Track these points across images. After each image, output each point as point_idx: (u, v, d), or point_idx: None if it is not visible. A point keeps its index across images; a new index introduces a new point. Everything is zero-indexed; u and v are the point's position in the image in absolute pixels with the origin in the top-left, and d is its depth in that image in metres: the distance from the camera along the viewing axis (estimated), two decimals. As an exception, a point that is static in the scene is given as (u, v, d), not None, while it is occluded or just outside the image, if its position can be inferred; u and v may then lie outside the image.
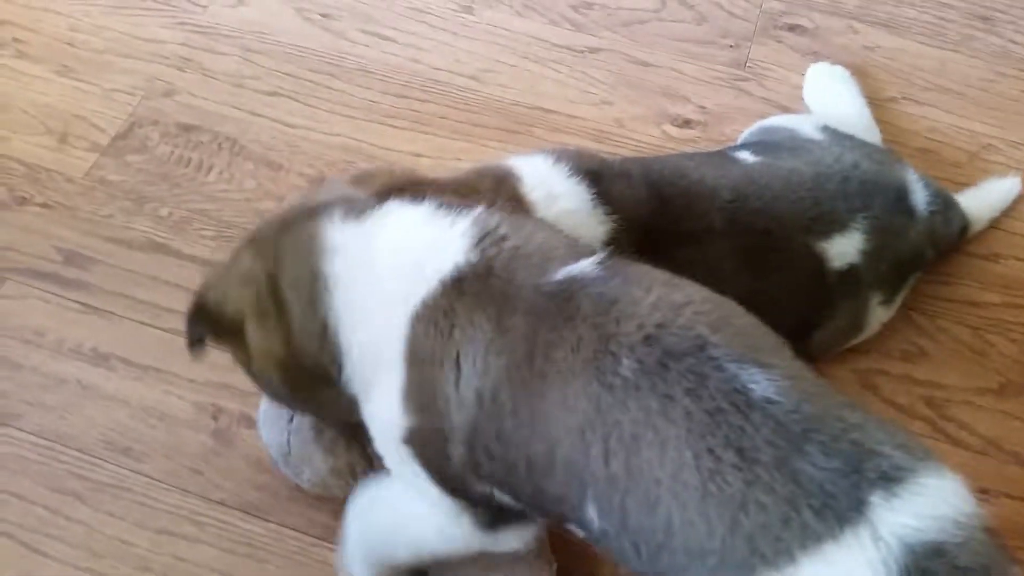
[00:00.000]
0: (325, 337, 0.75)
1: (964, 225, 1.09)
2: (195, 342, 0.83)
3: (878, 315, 1.02)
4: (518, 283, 0.69)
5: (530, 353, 0.67)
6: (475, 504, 0.77)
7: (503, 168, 0.95)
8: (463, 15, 1.38)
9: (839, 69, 1.26)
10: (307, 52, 1.33)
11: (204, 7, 1.37)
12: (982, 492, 0.95)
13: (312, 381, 0.78)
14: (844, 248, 0.96)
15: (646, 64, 1.32)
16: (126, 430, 1.03)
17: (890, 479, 0.58)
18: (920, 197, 1.01)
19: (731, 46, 1.34)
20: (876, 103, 1.28)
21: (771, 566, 0.57)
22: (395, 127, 1.26)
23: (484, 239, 0.72)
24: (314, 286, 0.74)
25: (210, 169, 1.22)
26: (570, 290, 0.68)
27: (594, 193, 0.94)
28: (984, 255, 1.16)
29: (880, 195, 0.98)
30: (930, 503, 0.58)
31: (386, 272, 0.74)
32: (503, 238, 0.72)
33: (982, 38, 1.37)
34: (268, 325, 0.76)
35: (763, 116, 1.23)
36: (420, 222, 0.75)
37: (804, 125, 1.09)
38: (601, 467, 0.63)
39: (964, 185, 1.19)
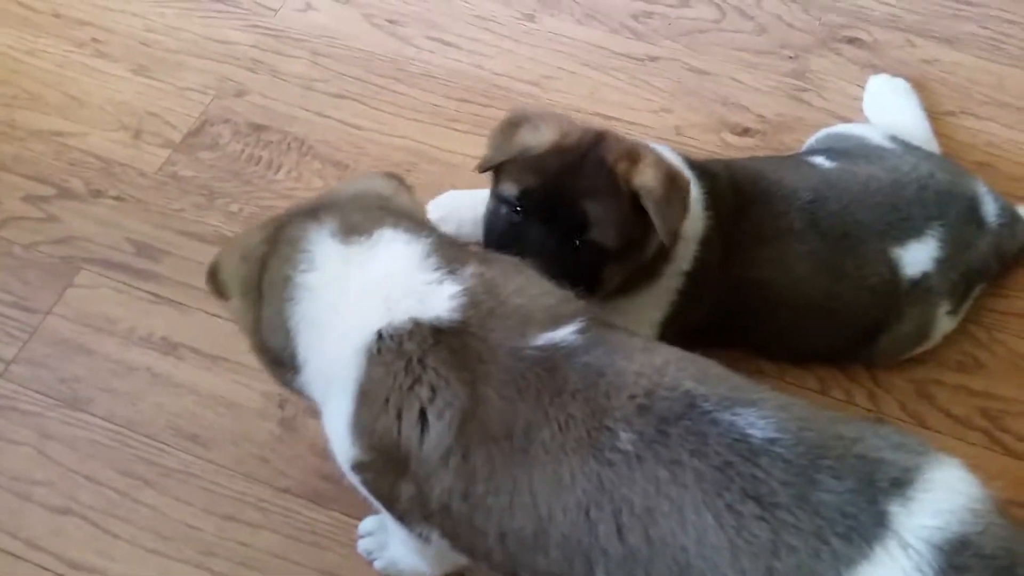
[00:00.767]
0: (287, 340, 0.76)
1: None
2: (217, 293, 0.84)
3: (944, 324, 1.02)
4: (493, 343, 0.69)
5: (510, 426, 0.66)
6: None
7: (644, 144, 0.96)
8: (525, 23, 1.40)
9: (900, 81, 1.27)
10: (374, 56, 1.36)
11: (275, 11, 1.41)
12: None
13: (276, 364, 0.80)
14: (919, 255, 0.97)
15: (705, 73, 1.34)
16: (194, 418, 1.06)
17: (901, 483, 0.59)
18: (990, 209, 1.02)
19: (790, 57, 1.35)
20: (934, 116, 1.28)
21: None
22: (457, 131, 1.29)
23: (467, 299, 0.71)
24: (284, 291, 0.75)
25: (279, 168, 1.25)
26: (553, 359, 0.68)
27: (703, 189, 0.96)
28: (1042, 269, 1.16)
29: (954, 205, 0.99)
30: (943, 497, 0.59)
31: (352, 301, 0.73)
32: (481, 301, 0.71)
33: (1043, 54, 1.37)
34: (247, 304, 0.78)
35: (822, 126, 1.24)
36: (408, 266, 0.74)
37: (872, 133, 1.10)
38: (615, 544, 0.63)
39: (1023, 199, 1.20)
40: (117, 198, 1.22)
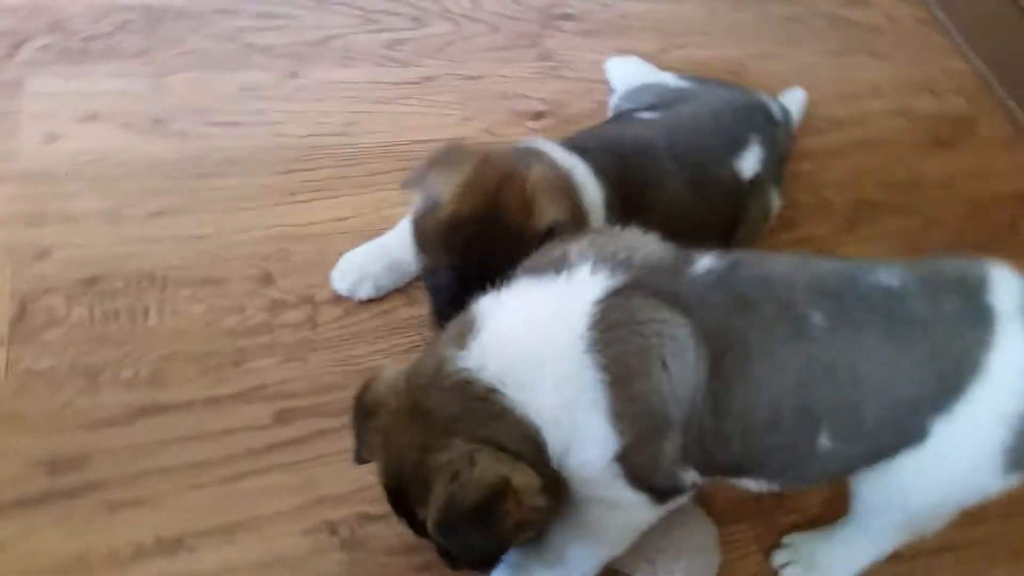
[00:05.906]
0: (529, 434, 0.77)
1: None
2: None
3: (775, 201, 1.31)
4: (670, 284, 0.78)
5: (726, 339, 0.77)
6: (656, 496, 0.85)
7: (530, 149, 1.06)
8: (291, 81, 1.37)
9: (632, 59, 1.51)
10: (162, 162, 1.23)
11: (15, 152, 1.17)
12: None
13: (559, 487, 0.81)
14: (751, 161, 1.22)
15: (477, 77, 1.46)
16: (251, 595, 0.93)
17: (983, 281, 0.79)
18: (775, 108, 1.31)
19: (530, 44, 1.53)
20: (649, 56, 1.56)
21: (960, 375, 0.77)
22: (301, 201, 1.24)
23: (614, 267, 0.79)
24: (493, 406, 0.77)
25: (146, 312, 1.09)
26: (724, 281, 0.79)
27: (588, 165, 1.08)
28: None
29: (758, 114, 1.26)
30: (1012, 282, 0.81)
31: (532, 336, 0.77)
32: (627, 261, 0.80)
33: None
34: (520, 469, 0.77)
35: (587, 93, 1.45)
36: (537, 296, 0.80)
37: (665, 77, 1.33)
38: (832, 396, 0.78)
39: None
40: (-20, 425, 0.96)
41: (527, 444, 0.78)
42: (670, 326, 0.75)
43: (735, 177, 1.21)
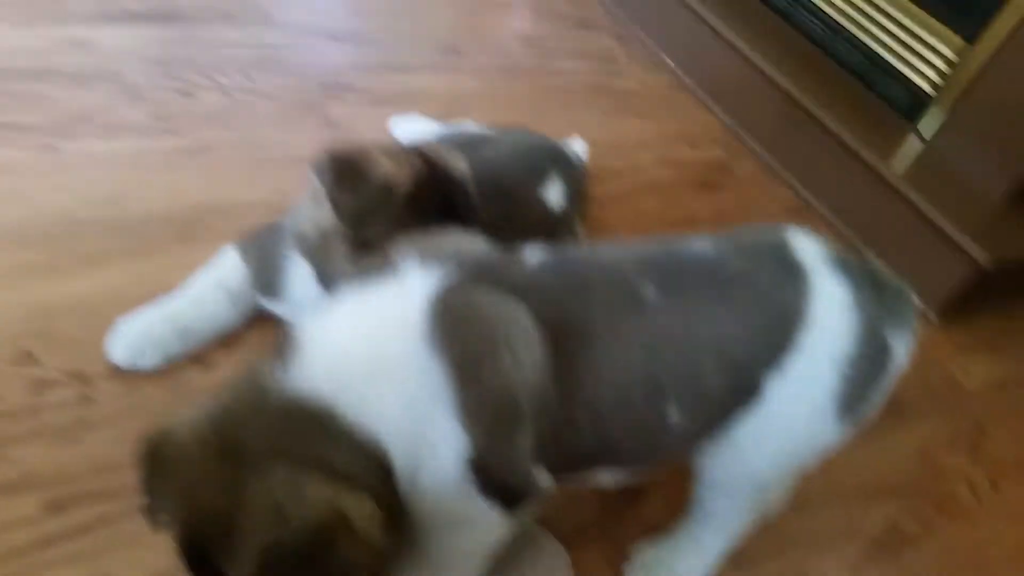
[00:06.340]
0: (372, 457, 0.69)
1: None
2: None
3: (581, 233, 1.35)
4: (504, 275, 0.77)
5: (567, 323, 0.75)
6: (509, 502, 0.80)
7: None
8: (49, 155, 1.25)
9: (411, 116, 1.54)
10: None
11: None
12: None
13: (402, 521, 0.74)
14: (556, 195, 1.25)
15: (258, 143, 1.41)
16: None
17: (786, 244, 0.83)
18: (571, 152, 1.37)
19: (311, 113, 1.51)
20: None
21: (786, 328, 0.79)
22: (66, 275, 1.10)
23: (444, 263, 0.75)
24: (326, 429, 0.67)
25: None
26: (559, 269, 0.79)
27: None
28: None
29: (557, 152, 1.31)
30: (810, 241, 0.84)
31: (366, 345, 0.71)
32: (456, 256, 0.77)
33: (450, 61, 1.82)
34: (357, 497, 0.67)
35: (374, 153, 1.44)
36: (365, 302, 0.74)
37: (466, 126, 1.35)
38: (675, 366, 0.78)
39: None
40: None
41: (370, 469, 0.69)
42: (512, 313, 0.73)
43: (544, 207, 1.24)
